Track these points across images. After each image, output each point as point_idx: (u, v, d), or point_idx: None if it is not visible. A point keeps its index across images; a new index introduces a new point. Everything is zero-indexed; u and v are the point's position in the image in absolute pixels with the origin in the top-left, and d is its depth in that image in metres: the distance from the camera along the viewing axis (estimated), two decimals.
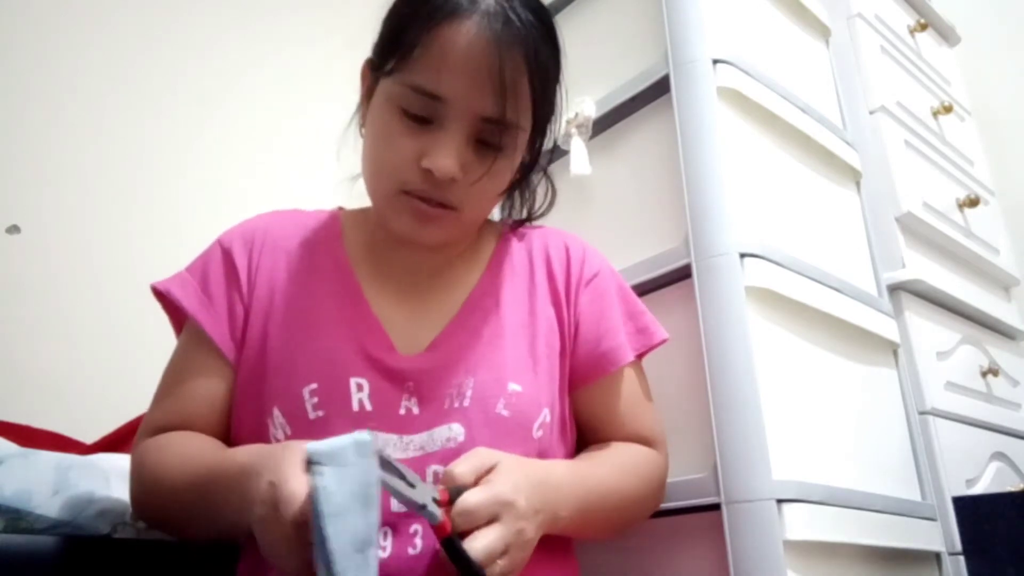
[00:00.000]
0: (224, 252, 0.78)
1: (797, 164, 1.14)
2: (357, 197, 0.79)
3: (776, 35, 1.23)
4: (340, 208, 0.86)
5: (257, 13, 1.69)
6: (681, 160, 0.99)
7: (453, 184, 0.68)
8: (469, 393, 0.70)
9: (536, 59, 0.68)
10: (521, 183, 0.82)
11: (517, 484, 0.60)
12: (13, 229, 1.25)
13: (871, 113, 1.39)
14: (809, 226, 1.10)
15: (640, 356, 0.83)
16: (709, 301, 0.92)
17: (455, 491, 0.58)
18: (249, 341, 0.74)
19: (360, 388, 0.69)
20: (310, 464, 0.51)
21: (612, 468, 0.75)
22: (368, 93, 0.74)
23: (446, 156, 0.67)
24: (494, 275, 0.80)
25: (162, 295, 0.76)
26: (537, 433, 0.72)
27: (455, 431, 0.69)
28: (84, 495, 0.74)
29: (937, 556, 1.05)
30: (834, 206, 1.20)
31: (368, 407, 0.69)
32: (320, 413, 0.68)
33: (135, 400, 1.05)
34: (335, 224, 0.82)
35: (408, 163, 0.68)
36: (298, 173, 1.61)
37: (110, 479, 0.77)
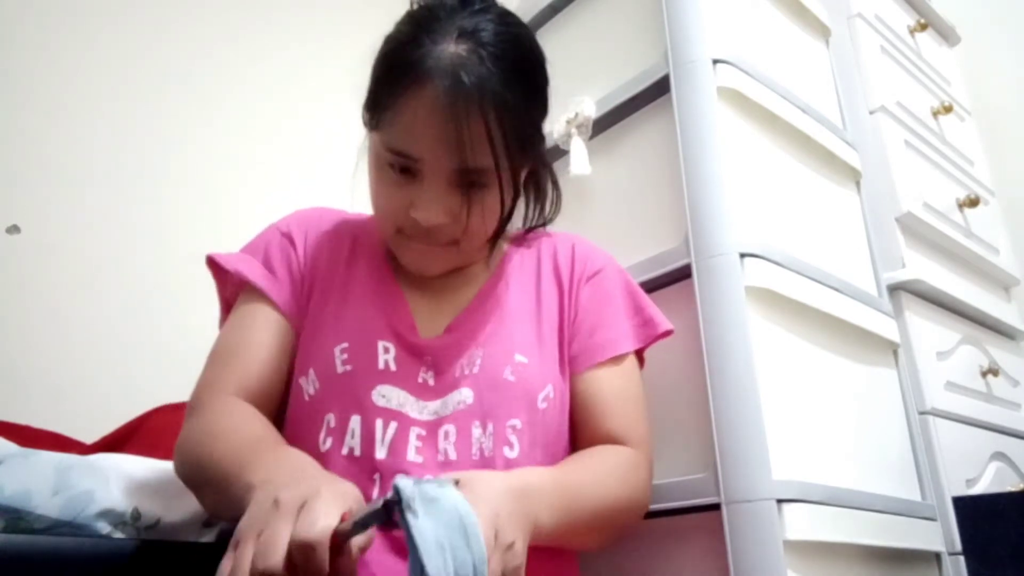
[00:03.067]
0: (283, 234, 0.85)
1: (797, 164, 1.14)
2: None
3: (776, 35, 1.23)
4: None
5: (257, 13, 1.69)
6: (681, 160, 0.99)
7: (445, 227, 0.75)
8: (478, 362, 0.76)
9: (494, 106, 0.70)
10: (516, 201, 0.83)
11: (496, 501, 0.58)
12: (13, 229, 1.25)
13: (871, 113, 1.39)
14: (809, 226, 1.10)
15: (644, 348, 0.87)
16: (709, 301, 0.92)
17: None
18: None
19: (387, 351, 0.76)
20: (397, 504, 0.48)
21: (594, 473, 0.75)
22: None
23: (428, 209, 0.73)
24: (503, 273, 0.86)
25: (218, 268, 0.83)
26: (542, 404, 0.76)
27: (464, 395, 0.75)
28: (84, 495, 0.74)
29: (937, 556, 1.05)
30: (834, 206, 1.20)
31: (392, 367, 0.75)
32: (348, 368, 0.75)
33: (135, 400, 1.05)
34: (373, 223, 0.88)
35: (399, 212, 0.75)
36: (299, 173, 1.61)
37: (110, 479, 0.77)
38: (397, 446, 0.71)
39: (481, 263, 0.87)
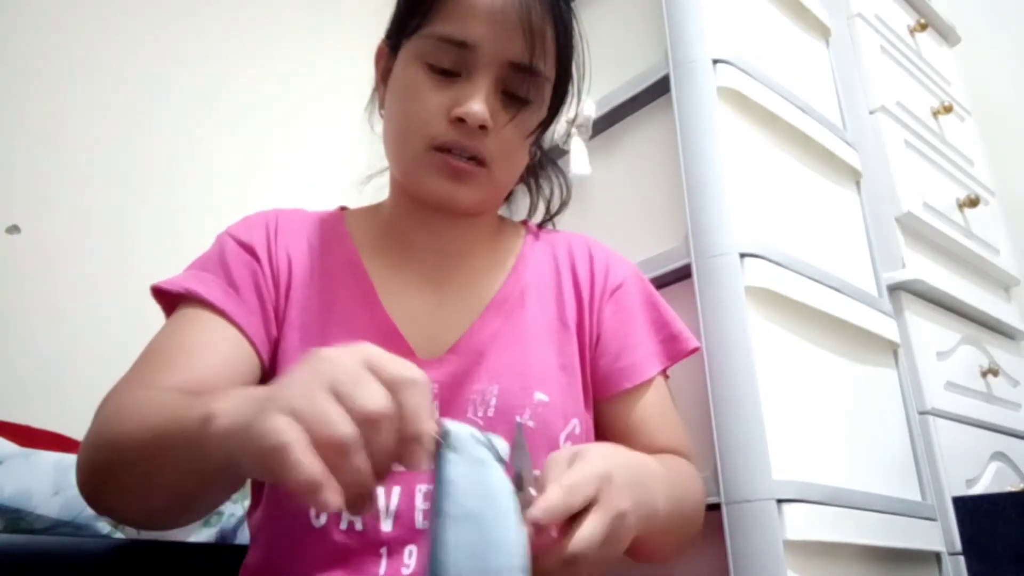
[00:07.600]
0: (242, 244, 0.72)
1: (797, 164, 1.14)
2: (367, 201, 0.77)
3: (776, 35, 1.23)
4: (343, 208, 0.83)
5: (258, 11, 1.69)
6: (681, 160, 0.99)
7: (483, 134, 0.68)
8: (493, 402, 0.68)
9: (559, 8, 0.70)
10: (547, 130, 0.79)
11: (607, 464, 0.53)
12: (13, 229, 1.25)
13: (871, 113, 1.39)
14: (809, 226, 1.10)
15: (669, 366, 0.81)
16: (709, 301, 0.92)
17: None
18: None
19: None
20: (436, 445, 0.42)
21: (681, 475, 0.70)
22: (384, 74, 0.75)
23: (477, 102, 0.66)
24: (519, 277, 0.78)
25: (167, 295, 0.69)
26: (564, 445, 0.69)
27: None
28: None
29: (937, 556, 1.05)
30: (834, 206, 1.20)
31: None
32: None
33: None
34: (339, 224, 0.79)
35: (437, 116, 0.67)
36: (301, 174, 1.61)
37: None
38: (403, 514, 0.64)
39: (491, 258, 0.78)
